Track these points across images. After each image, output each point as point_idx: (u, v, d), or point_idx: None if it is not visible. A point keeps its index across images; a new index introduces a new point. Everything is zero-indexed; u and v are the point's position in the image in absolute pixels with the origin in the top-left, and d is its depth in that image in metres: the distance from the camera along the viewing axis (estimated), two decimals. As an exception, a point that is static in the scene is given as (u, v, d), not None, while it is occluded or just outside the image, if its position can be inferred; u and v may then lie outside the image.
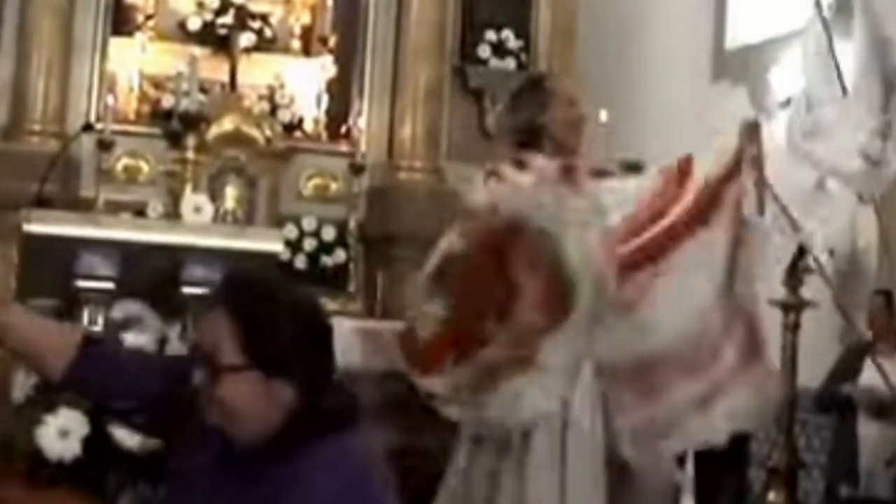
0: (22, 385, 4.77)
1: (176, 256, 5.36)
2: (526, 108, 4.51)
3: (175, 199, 7.43)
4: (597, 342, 4.05)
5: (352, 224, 8.42)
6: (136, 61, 8.66)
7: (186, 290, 5.21)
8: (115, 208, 7.41)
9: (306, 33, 9.23)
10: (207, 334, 2.37)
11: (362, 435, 2.42)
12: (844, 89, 5.72)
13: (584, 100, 4.56)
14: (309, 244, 8.32)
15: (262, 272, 3.33)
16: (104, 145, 7.56)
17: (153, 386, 2.58)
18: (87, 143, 7.86)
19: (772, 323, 7.13)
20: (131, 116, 8.55)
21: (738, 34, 7.12)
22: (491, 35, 8.90)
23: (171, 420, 2.53)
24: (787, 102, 6.98)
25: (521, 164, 4.48)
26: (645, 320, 4.14)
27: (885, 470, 6.23)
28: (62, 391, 3.20)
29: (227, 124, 8.20)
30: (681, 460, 4.77)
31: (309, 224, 8.38)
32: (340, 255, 8.36)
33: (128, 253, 5.22)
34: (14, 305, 3.19)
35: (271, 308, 2.35)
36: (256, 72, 8.80)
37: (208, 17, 8.69)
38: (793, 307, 7.04)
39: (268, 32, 8.83)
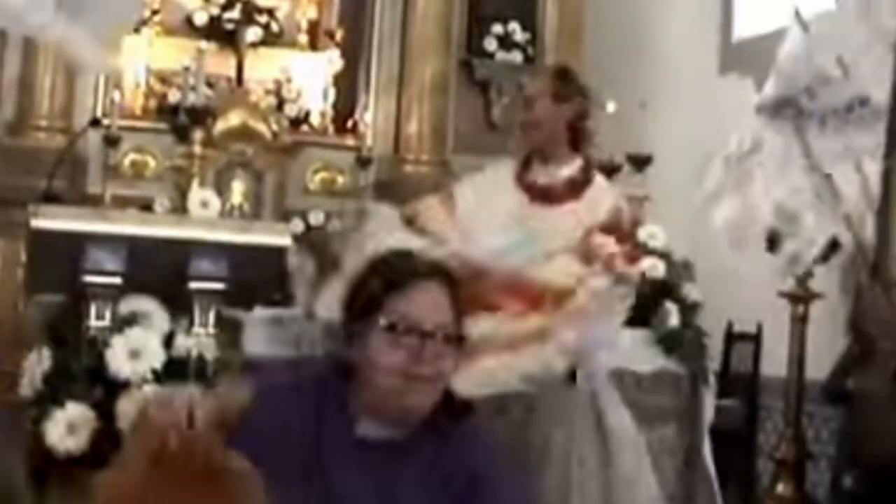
0: (30, 377, 4.79)
1: (183, 251, 5.36)
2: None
3: (182, 194, 7.43)
4: None
5: (359, 217, 8.41)
6: (142, 56, 8.67)
7: (194, 284, 5.21)
8: (122, 204, 7.41)
9: (313, 27, 9.25)
10: (440, 308, 2.43)
11: None
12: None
13: (532, 94, 4.40)
14: (316, 238, 8.33)
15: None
16: (111, 141, 7.56)
17: None
18: (94, 138, 7.87)
19: (780, 314, 7.14)
20: (138, 112, 8.57)
21: (746, 26, 7.11)
22: (497, 28, 8.90)
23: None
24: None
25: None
26: None
27: None
28: None
29: (233, 119, 8.22)
30: (696, 449, 4.78)
31: (316, 218, 8.36)
32: (348, 248, 8.35)
33: (135, 248, 5.22)
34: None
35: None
36: (263, 66, 8.81)
37: (215, 11, 8.71)
38: (801, 299, 7.05)
39: (274, 27, 8.85)
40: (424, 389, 2.39)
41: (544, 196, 4.34)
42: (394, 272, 2.46)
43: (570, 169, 4.37)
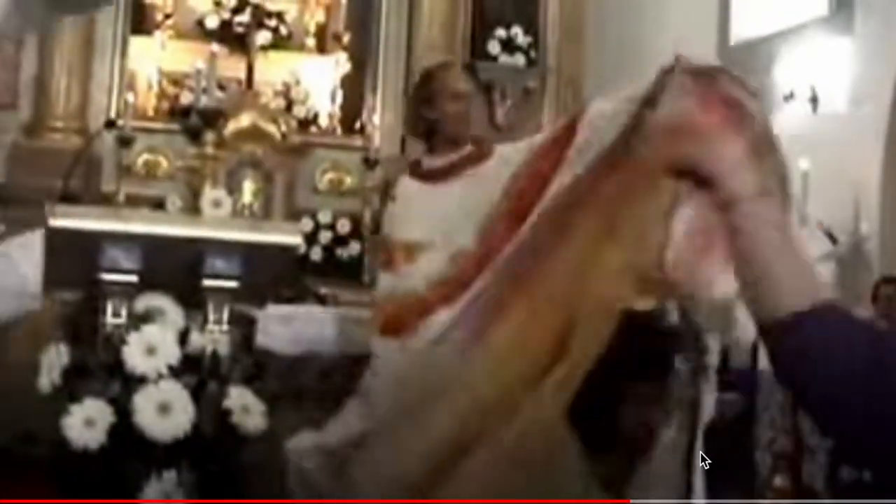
0: (48, 372, 4.88)
1: (197, 249, 5.47)
2: (416, 104, 4.74)
3: (194, 193, 7.56)
4: None
5: (366, 217, 8.54)
6: (155, 59, 8.83)
7: (207, 282, 5.32)
8: (135, 202, 7.55)
9: (321, 31, 9.38)
10: None
11: None
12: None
13: (469, 90, 4.71)
14: (324, 237, 8.47)
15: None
16: (125, 141, 7.70)
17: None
18: (108, 139, 8.01)
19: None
20: (151, 113, 8.72)
21: (743, 29, 7.21)
22: (500, 32, 9.01)
23: None
24: (791, 96, 7.09)
25: (417, 164, 4.73)
26: None
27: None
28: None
29: (244, 120, 8.35)
30: (690, 443, 4.88)
31: (324, 217, 8.52)
32: (355, 247, 8.49)
33: (150, 246, 5.32)
34: None
35: None
36: (272, 69, 8.95)
37: (226, 15, 8.86)
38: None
39: (283, 30, 8.98)
40: None
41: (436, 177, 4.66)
42: None
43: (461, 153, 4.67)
